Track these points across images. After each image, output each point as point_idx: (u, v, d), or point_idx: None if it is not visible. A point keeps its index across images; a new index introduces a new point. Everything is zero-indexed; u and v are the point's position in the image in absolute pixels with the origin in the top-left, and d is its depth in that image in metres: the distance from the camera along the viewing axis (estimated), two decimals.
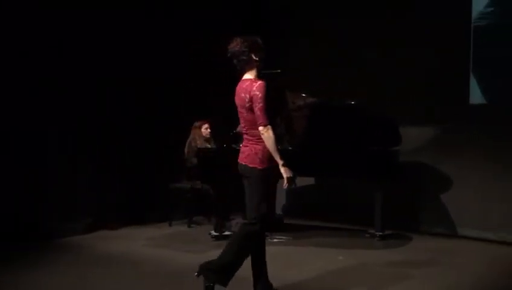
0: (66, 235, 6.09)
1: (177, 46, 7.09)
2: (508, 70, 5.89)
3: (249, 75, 3.89)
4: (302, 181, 6.40)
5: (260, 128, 3.72)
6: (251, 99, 3.75)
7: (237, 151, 4.04)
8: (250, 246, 3.88)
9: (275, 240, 5.87)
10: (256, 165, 3.78)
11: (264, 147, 3.76)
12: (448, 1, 6.20)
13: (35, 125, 6.02)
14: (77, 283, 4.58)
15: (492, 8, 6.00)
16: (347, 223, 6.58)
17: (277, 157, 3.73)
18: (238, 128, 5.85)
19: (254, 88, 3.75)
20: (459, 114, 6.17)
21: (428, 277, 4.69)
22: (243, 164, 3.86)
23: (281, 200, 7.22)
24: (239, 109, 3.90)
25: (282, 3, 7.60)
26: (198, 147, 6.54)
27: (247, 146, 3.87)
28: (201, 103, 7.09)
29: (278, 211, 6.96)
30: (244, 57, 3.83)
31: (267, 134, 3.71)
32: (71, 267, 5.06)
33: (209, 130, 6.79)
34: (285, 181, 3.74)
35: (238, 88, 3.91)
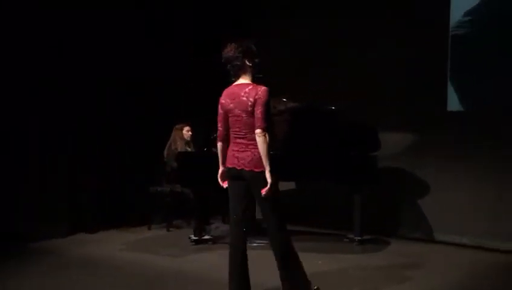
0: (44, 238, 6.02)
1: (177, 46, 7.08)
2: (484, 78, 6.00)
3: (243, 80, 3.88)
4: (282, 185, 6.39)
5: (258, 130, 3.72)
6: (254, 103, 3.75)
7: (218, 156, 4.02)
8: (292, 242, 3.93)
9: (255, 244, 5.87)
10: (264, 169, 3.76)
11: None
12: (426, 10, 6.28)
13: (34, 124, 6.03)
14: (65, 283, 4.60)
15: (469, 17, 6.11)
16: (326, 228, 6.61)
17: (266, 163, 3.73)
18: None
19: (259, 92, 3.76)
20: (437, 121, 6.26)
21: (405, 281, 4.73)
22: (247, 170, 3.80)
23: None
24: (236, 112, 3.82)
25: (282, 3, 7.59)
26: (178, 150, 6.51)
27: (246, 151, 3.81)
28: (200, 103, 7.07)
29: (258, 215, 6.95)
30: (238, 63, 3.83)
31: (263, 138, 3.71)
32: (55, 270, 5.04)
33: (190, 132, 6.76)
34: (268, 186, 3.74)
35: (233, 92, 3.86)
